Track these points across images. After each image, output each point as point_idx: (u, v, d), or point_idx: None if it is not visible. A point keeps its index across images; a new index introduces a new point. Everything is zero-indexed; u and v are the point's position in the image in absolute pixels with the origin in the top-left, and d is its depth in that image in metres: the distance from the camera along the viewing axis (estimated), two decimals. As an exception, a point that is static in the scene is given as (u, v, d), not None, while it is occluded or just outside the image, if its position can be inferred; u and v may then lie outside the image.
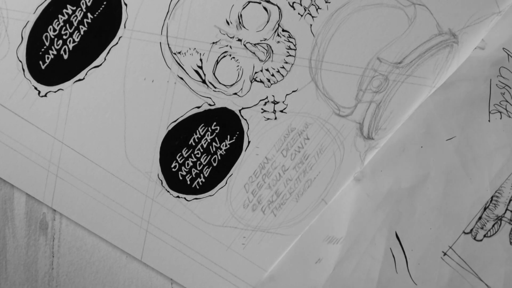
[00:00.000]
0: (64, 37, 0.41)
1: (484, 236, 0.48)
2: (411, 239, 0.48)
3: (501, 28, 0.46)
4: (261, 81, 0.45)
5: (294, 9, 0.44)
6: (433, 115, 0.46)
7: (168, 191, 0.45)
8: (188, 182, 0.45)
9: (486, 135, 0.47)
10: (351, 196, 0.47)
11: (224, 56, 0.44)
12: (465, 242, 0.48)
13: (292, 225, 0.48)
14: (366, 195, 0.47)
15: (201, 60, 0.44)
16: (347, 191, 0.47)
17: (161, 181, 0.45)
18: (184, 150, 0.45)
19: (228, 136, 0.45)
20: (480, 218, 0.48)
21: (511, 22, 0.46)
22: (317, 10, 0.45)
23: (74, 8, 0.41)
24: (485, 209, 0.48)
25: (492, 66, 0.47)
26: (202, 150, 0.45)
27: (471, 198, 0.48)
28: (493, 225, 0.48)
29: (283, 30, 0.45)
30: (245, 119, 0.45)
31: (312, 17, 0.45)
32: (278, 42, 0.45)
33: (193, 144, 0.45)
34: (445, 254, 0.48)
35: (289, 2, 0.44)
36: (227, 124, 0.45)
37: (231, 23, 0.44)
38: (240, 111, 0.45)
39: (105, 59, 0.42)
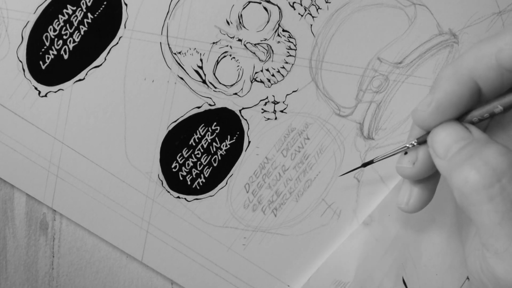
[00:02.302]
0: (64, 37, 0.41)
1: None
2: (417, 284, 0.48)
3: None
4: (261, 81, 0.45)
5: (295, 9, 0.44)
6: None
7: (169, 192, 0.45)
8: (189, 183, 0.45)
9: None
10: (359, 240, 0.47)
11: (224, 56, 0.44)
12: None
13: (293, 225, 0.47)
14: (374, 239, 0.47)
15: (201, 60, 0.44)
16: (355, 235, 0.47)
17: (162, 181, 0.45)
18: (184, 150, 0.45)
19: (229, 136, 0.45)
20: None
21: None
22: (317, 10, 0.45)
23: (74, 8, 0.41)
24: None
25: None
26: (202, 150, 0.45)
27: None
28: None
29: (284, 30, 0.45)
30: (245, 119, 0.45)
31: (313, 17, 0.45)
32: (279, 42, 0.45)
33: (194, 144, 0.45)
34: None
35: (289, 2, 0.44)
36: (227, 124, 0.45)
37: (231, 23, 0.44)
38: (240, 111, 0.45)
39: (105, 59, 0.42)
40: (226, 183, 0.46)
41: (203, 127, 0.45)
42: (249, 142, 0.46)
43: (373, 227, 0.47)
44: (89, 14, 0.41)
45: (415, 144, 0.38)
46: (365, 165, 0.43)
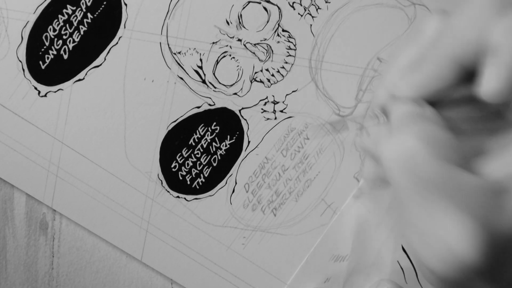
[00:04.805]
0: (64, 37, 0.41)
1: None
2: None
3: None
4: (261, 81, 0.45)
5: (294, 9, 0.44)
6: None
7: (168, 191, 0.45)
8: (188, 182, 0.45)
9: None
10: (352, 214, 0.47)
11: (224, 56, 0.44)
12: None
13: (292, 225, 0.47)
14: (367, 211, 0.47)
15: (201, 60, 0.44)
16: (347, 209, 0.47)
17: (161, 181, 0.45)
18: (184, 150, 0.45)
19: (228, 136, 0.45)
20: None
21: None
22: (317, 10, 0.45)
23: (74, 8, 0.41)
24: None
25: None
26: (202, 150, 0.45)
27: None
28: None
29: (283, 30, 0.45)
30: (245, 119, 0.45)
31: (312, 17, 0.45)
32: (278, 42, 0.45)
33: (193, 144, 0.45)
34: None
35: (289, 2, 0.44)
36: (227, 124, 0.45)
37: (231, 23, 0.44)
38: (240, 111, 0.45)
39: (105, 59, 0.42)
40: (226, 183, 0.46)
41: (203, 127, 0.45)
42: (249, 142, 0.46)
43: (364, 199, 0.47)
44: (89, 14, 0.41)
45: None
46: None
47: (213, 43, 0.44)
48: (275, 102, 0.46)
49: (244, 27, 0.44)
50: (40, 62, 0.41)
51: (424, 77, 0.35)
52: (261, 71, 0.45)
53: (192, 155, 0.45)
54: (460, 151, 0.32)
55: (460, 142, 0.32)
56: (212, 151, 0.45)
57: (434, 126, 0.32)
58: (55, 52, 0.41)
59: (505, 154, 0.31)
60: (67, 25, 0.41)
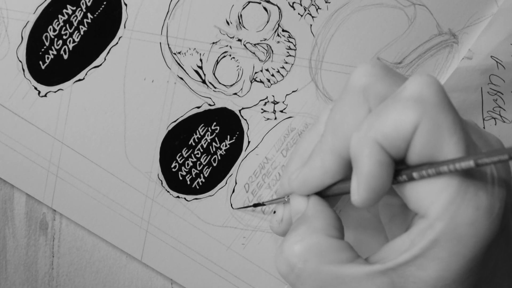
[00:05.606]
0: (64, 37, 0.41)
1: None
2: None
3: (487, 37, 0.46)
4: (261, 81, 0.45)
5: (294, 9, 0.44)
6: None
7: (168, 191, 0.45)
8: (188, 182, 0.45)
9: None
10: (351, 214, 0.47)
11: (224, 56, 0.44)
12: None
13: (292, 225, 0.48)
14: (367, 211, 0.47)
15: (201, 60, 0.44)
16: (346, 210, 0.47)
17: (161, 181, 0.45)
18: (184, 150, 0.45)
19: (228, 136, 0.45)
20: None
21: (497, 30, 0.46)
22: (317, 10, 0.45)
23: (74, 8, 0.41)
24: None
25: (481, 74, 0.47)
26: (202, 150, 0.45)
27: None
28: None
29: (283, 30, 0.45)
30: (245, 119, 0.45)
31: (312, 17, 0.45)
32: (278, 42, 0.45)
33: (193, 144, 0.45)
34: None
35: (289, 2, 0.44)
36: (227, 124, 0.45)
37: (231, 23, 0.44)
38: (240, 111, 0.45)
39: (105, 59, 0.42)
40: (226, 183, 0.46)
41: (203, 127, 0.45)
42: (249, 142, 0.46)
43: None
44: (89, 14, 0.41)
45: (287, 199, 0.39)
46: (255, 205, 0.45)
47: (213, 43, 0.44)
48: (275, 102, 0.46)
49: (244, 27, 0.44)
50: (40, 62, 0.41)
51: (310, 171, 0.35)
52: (261, 71, 0.45)
53: (192, 155, 0.45)
54: (343, 247, 0.33)
55: (341, 242, 0.33)
56: (212, 151, 0.45)
57: (314, 233, 0.33)
58: (55, 52, 0.41)
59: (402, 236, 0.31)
60: (67, 25, 0.41)
